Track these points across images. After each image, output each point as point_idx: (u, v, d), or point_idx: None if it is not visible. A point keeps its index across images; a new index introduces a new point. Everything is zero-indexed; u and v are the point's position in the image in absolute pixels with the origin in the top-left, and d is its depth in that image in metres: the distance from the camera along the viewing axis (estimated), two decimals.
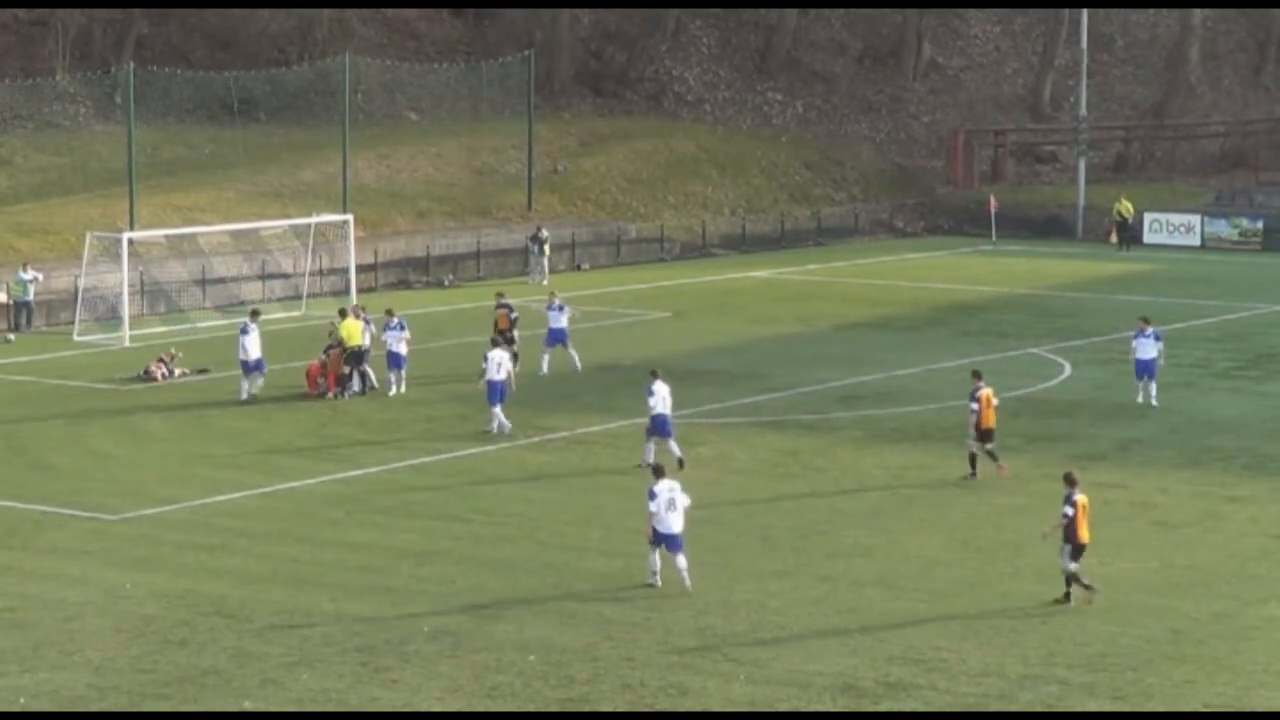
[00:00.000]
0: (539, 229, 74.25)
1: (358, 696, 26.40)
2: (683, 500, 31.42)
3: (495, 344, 46.24)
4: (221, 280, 66.75)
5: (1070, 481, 30.99)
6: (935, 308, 65.79)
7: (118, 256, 59.84)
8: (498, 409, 43.97)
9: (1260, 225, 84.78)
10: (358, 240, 67.95)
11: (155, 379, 50.82)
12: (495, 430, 43.85)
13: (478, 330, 54.21)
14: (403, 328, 49.32)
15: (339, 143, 73.31)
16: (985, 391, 39.33)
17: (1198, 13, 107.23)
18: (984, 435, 39.31)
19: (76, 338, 58.47)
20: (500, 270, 74.50)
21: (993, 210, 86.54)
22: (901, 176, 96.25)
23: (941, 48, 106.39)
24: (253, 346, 48.07)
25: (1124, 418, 46.19)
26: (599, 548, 34.04)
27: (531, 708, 26.03)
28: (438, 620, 29.65)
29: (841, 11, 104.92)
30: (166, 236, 66.42)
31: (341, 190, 72.93)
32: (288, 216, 69.95)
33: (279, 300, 65.61)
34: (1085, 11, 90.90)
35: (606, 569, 32.60)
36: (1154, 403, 47.23)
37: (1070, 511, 30.55)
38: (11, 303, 60.26)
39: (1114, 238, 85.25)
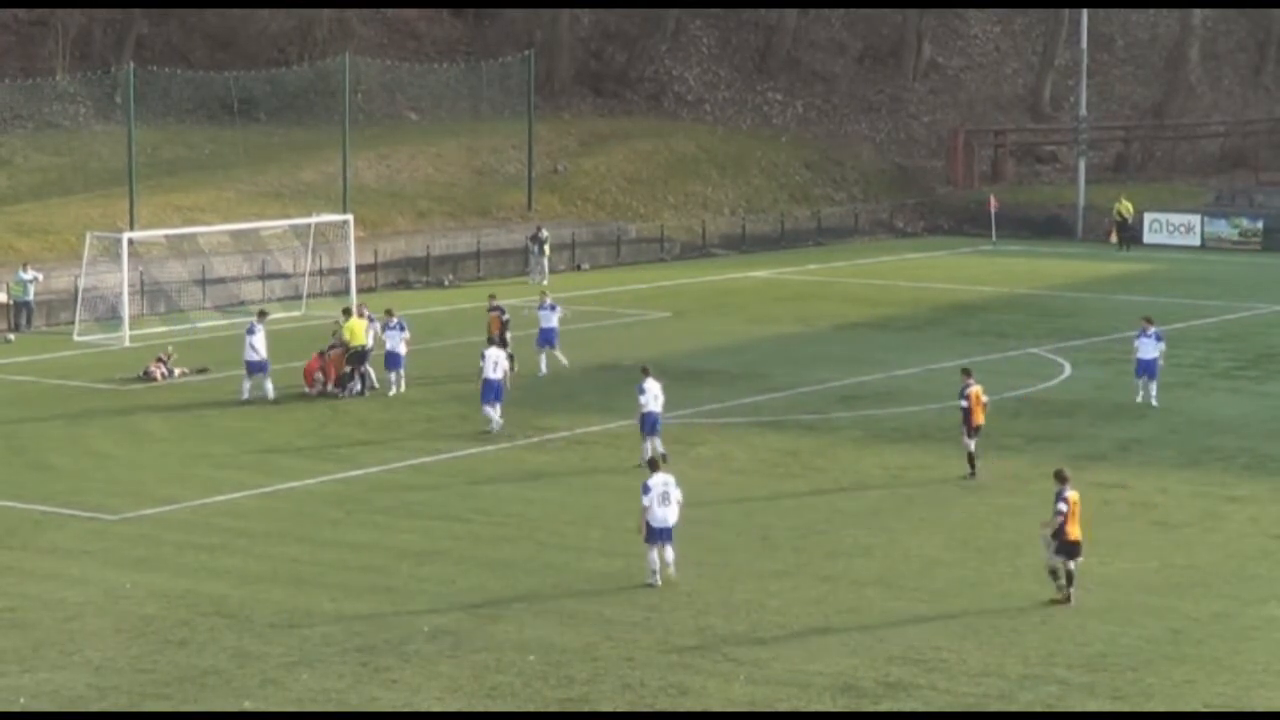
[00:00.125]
0: (539, 229, 74.25)
1: (358, 696, 26.40)
2: (676, 495, 31.64)
3: (492, 343, 46.27)
4: (221, 280, 66.76)
5: (1061, 479, 31.04)
6: (935, 308, 65.79)
7: (118, 256, 59.84)
8: (489, 409, 43.98)
9: (1260, 225, 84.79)
10: (358, 240, 67.95)
11: (155, 379, 50.82)
12: (495, 430, 43.85)
13: (478, 330, 54.19)
14: (402, 328, 49.34)
15: (339, 143, 73.32)
16: (975, 389, 39.55)
17: (1198, 13, 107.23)
18: (973, 433, 39.48)
19: (76, 338, 58.47)
20: (500, 270, 74.51)
21: (993, 210, 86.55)
22: (901, 176, 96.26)
23: (941, 48, 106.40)
24: (260, 346, 48.09)
25: (1124, 418, 46.19)
26: (599, 548, 34.04)
27: (531, 708, 26.03)
28: (438, 620, 29.65)
29: (841, 11, 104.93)
30: (166, 236, 66.42)
31: (341, 190, 72.93)
32: (288, 216, 69.96)
33: (279, 300, 65.58)
34: (1085, 11, 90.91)
35: (606, 569, 32.60)
36: (1154, 403, 47.23)
37: (1064, 509, 30.60)
38: (11, 303, 60.27)
39: (1114, 238, 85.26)
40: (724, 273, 76.22)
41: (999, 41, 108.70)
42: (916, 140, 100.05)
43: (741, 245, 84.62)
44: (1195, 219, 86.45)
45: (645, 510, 31.49)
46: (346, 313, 50.69)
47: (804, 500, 37.96)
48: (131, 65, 72.00)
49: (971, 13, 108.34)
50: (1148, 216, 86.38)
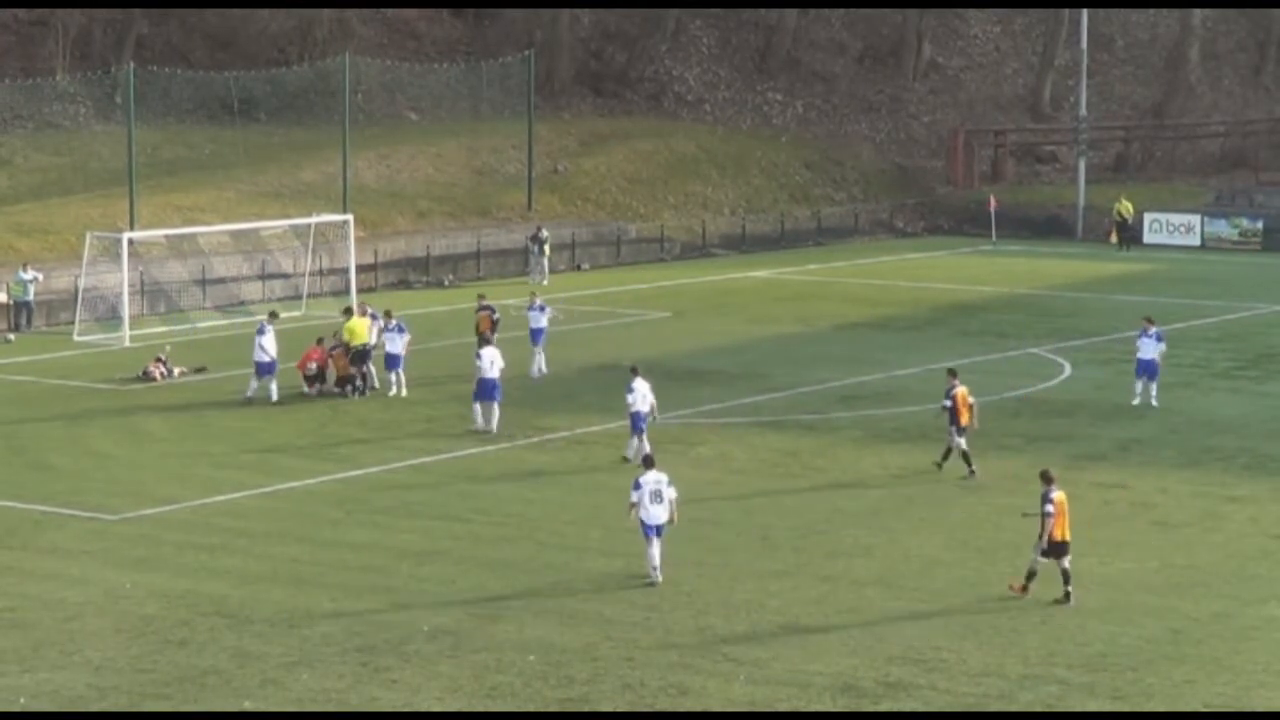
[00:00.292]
0: (539, 229, 74.24)
1: (358, 696, 26.40)
2: (669, 493, 31.68)
3: (486, 342, 46.25)
4: (221, 280, 66.75)
5: (1047, 479, 31.06)
6: (935, 308, 65.80)
7: (118, 256, 59.83)
8: (478, 406, 43.96)
9: (1260, 225, 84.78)
10: (358, 240, 67.94)
11: (154, 379, 50.83)
12: (495, 430, 43.86)
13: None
14: (402, 330, 49.28)
15: (339, 143, 73.32)
16: (960, 390, 39.65)
17: (1198, 13, 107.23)
18: (961, 432, 39.63)
19: (76, 338, 58.47)
20: (500, 270, 74.51)
21: (993, 210, 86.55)
22: (901, 176, 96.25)
23: (941, 48, 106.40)
24: (270, 347, 48.07)
25: (1124, 418, 46.19)
26: (599, 548, 34.05)
27: (531, 708, 26.03)
28: (438, 620, 29.65)
29: (841, 11, 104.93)
30: (166, 236, 66.42)
31: (341, 190, 72.93)
32: (288, 216, 69.96)
33: (279, 300, 65.53)
34: (1085, 11, 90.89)
35: (606, 569, 32.60)
36: (1154, 403, 47.23)
37: (1051, 510, 30.61)
38: (11, 303, 60.26)
39: (1114, 238, 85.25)
40: (724, 273, 76.23)
41: (999, 41, 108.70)
42: (916, 140, 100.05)
43: (741, 245, 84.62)
44: (1195, 219, 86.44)
45: (635, 506, 31.59)
46: (347, 312, 50.70)
47: (804, 500, 37.96)
48: (131, 65, 71.99)
49: (971, 13, 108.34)
50: (1148, 216, 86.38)
